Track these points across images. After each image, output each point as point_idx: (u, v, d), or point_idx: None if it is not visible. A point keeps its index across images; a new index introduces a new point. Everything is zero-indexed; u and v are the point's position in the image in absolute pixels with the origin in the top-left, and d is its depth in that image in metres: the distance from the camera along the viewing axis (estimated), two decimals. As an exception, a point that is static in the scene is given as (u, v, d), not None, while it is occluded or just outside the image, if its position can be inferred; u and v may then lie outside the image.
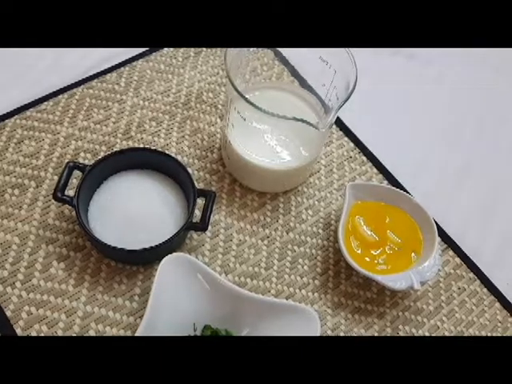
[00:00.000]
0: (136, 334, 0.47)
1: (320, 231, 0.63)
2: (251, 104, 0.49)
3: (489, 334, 0.60)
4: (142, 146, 0.64)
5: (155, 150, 0.59)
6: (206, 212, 0.55)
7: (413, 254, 0.58)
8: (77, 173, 0.56)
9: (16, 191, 0.59)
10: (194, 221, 0.56)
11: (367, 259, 0.57)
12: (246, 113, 0.54)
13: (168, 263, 0.51)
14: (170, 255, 0.51)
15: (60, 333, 0.52)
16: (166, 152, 0.59)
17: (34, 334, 0.52)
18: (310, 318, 0.50)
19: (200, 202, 0.58)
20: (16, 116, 0.64)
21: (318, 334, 0.49)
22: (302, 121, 0.49)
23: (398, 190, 0.62)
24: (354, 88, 0.51)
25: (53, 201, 0.58)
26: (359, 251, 0.58)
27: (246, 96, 0.50)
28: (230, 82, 0.50)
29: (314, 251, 0.61)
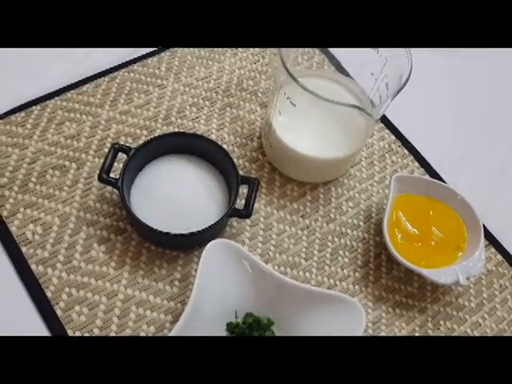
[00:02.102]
0: (180, 320, 0.47)
1: (361, 223, 0.62)
2: (304, 88, 0.48)
3: (531, 334, 0.58)
4: (183, 131, 0.64)
5: (200, 135, 0.58)
6: (250, 199, 0.54)
7: (457, 250, 0.57)
8: (118, 156, 0.56)
9: (57, 172, 0.58)
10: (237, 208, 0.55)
11: (411, 253, 0.56)
12: (297, 99, 0.53)
13: (213, 249, 0.50)
14: (215, 241, 0.50)
15: (101, 315, 0.52)
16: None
17: (74, 315, 0.51)
18: (355, 310, 0.49)
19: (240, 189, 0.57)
20: (57, 97, 0.63)
21: (363, 326, 0.49)
22: (358, 107, 0.48)
23: (443, 183, 0.61)
24: (409, 76, 0.50)
25: (94, 183, 0.58)
26: (403, 244, 0.57)
27: (299, 80, 0.49)
28: (282, 66, 0.49)
29: (354, 243, 0.60)
